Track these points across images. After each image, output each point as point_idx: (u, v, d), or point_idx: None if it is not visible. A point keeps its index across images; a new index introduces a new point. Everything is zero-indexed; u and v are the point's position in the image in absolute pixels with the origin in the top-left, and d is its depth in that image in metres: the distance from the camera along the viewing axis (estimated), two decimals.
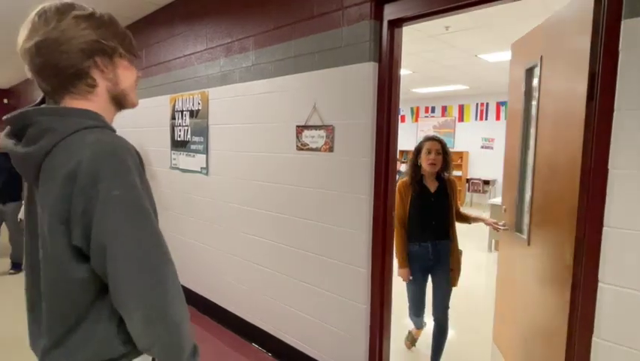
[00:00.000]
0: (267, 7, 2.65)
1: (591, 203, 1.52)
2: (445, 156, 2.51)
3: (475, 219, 2.71)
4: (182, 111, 3.49)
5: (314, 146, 2.40)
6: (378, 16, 2.09)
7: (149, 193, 0.89)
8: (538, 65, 2.18)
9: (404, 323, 2.45)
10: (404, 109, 10.95)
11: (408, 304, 2.65)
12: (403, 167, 9.06)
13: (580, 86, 1.63)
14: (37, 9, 0.85)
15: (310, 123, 2.42)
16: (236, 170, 2.98)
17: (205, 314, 3.40)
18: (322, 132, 2.35)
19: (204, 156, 3.27)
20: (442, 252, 2.51)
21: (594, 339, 1.52)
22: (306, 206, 2.49)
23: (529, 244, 2.27)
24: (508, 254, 2.68)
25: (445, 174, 2.57)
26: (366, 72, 2.12)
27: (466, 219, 2.69)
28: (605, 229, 1.47)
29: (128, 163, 0.82)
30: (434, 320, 2.57)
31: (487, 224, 2.69)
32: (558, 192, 1.90)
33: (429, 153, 2.48)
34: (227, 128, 3.05)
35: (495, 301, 2.87)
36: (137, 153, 0.88)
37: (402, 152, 10.51)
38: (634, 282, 1.42)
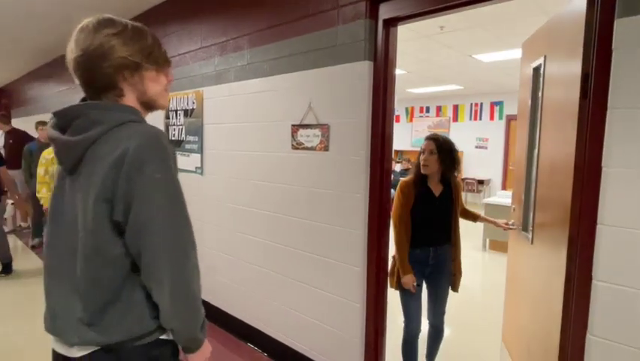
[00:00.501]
0: (262, 5, 2.64)
1: (585, 201, 1.53)
2: (441, 156, 2.31)
3: (485, 220, 2.68)
4: (176, 110, 3.47)
5: (309, 145, 2.40)
6: (373, 15, 2.09)
7: None
8: (543, 64, 2.18)
9: (400, 322, 2.43)
10: (399, 109, 10.97)
11: (404, 322, 2.41)
12: (397, 167, 9.10)
13: (577, 86, 1.64)
14: (82, 23, 0.96)
15: (305, 122, 2.41)
16: (231, 169, 2.97)
17: None
18: (317, 131, 2.35)
19: (199, 155, 3.25)
20: (442, 257, 2.40)
21: (588, 336, 1.53)
22: (302, 205, 2.48)
23: (532, 243, 2.28)
24: (516, 254, 2.69)
25: (452, 175, 2.42)
26: (361, 71, 2.12)
27: (473, 217, 2.65)
28: (598, 226, 1.48)
29: (168, 151, 0.94)
30: (430, 325, 2.51)
31: (498, 225, 2.62)
32: (557, 190, 1.91)
33: (422, 153, 2.35)
34: (222, 127, 3.04)
35: (504, 301, 2.87)
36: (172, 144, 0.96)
37: (396, 152, 10.55)
38: (628, 279, 1.43)
